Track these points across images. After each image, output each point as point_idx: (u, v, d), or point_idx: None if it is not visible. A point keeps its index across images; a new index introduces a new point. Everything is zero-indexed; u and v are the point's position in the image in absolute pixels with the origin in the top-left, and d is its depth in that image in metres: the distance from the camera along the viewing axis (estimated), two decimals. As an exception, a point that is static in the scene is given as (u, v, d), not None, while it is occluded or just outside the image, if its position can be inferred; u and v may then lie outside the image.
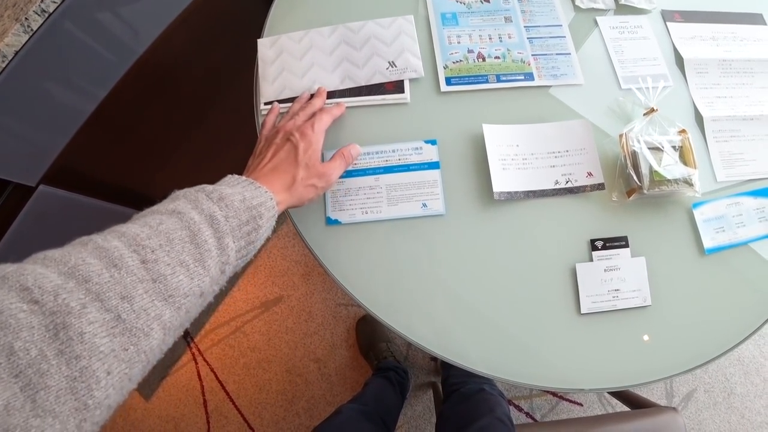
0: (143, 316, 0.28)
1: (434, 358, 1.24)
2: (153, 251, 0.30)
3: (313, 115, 0.52)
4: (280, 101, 0.58)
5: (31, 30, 0.54)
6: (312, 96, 0.57)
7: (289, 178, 0.45)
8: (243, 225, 0.37)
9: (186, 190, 0.37)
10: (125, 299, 0.27)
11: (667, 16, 0.66)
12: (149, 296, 0.29)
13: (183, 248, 0.32)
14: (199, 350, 1.27)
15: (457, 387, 0.88)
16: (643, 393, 1.16)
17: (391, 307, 0.53)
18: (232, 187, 0.39)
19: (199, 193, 0.36)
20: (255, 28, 0.65)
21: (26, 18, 0.53)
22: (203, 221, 0.34)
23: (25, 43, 0.55)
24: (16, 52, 0.54)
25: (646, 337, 0.53)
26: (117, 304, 0.27)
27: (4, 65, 0.54)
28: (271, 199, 0.41)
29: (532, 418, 1.20)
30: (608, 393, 1.16)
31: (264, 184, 0.42)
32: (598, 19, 0.66)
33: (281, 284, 1.32)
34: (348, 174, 0.56)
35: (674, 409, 0.77)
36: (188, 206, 0.35)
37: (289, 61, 0.59)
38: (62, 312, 0.25)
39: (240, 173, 0.44)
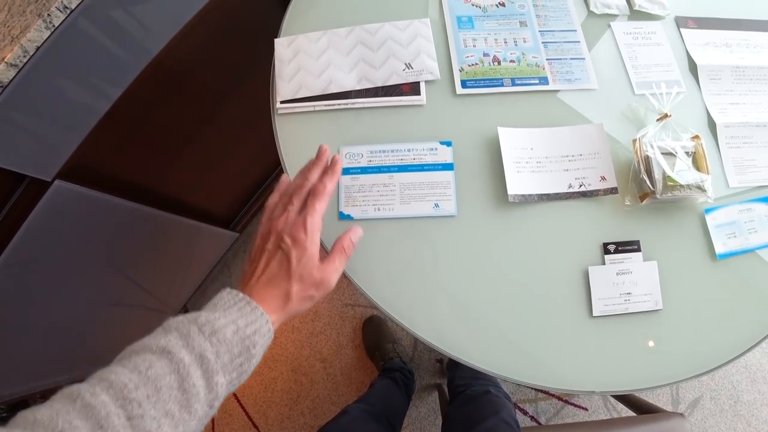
0: None
1: (440, 360, 1.25)
2: (140, 405, 0.31)
3: (305, 203, 0.47)
4: (296, 100, 0.59)
5: (53, 26, 0.55)
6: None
7: (282, 294, 0.43)
8: (235, 358, 0.37)
9: (180, 320, 0.37)
10: None
11: (681, 22, 0.67)
12: None
13: (170, 396, 0.32)
14: (204, 348, 1.27)
15: (463, 389, 0.88)
16: (649, 399, 1.15)
17: (399, 304, 0.53)
18: (226, 312, 0.39)
19: (192, 326, 0.36)
20: (271, 28, 0.65)
21: (48, 14, 0.54)
22: (193, 362, 0.34)
23: (46, 39, 0.55)
24: (38, 48, 0.55)
25: (651, 343, 0.53)
26: None
27: (25, 60, 0.54)
28: (267, 322, 0.40)
29: (537, 422, 1.20)
30: (614, 398, 1.16)
31: (259, 302, 0.41)
32: (612, 24, 0.66)
33: (287, 283, 1.32)
34: (363, 170, 0.56)
35: (681, 414, 0.77)
36: (179, 344, 0.35)
37: (306, 61, 0.60)
38: None
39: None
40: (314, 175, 0.48)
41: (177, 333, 0.36)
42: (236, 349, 0.37)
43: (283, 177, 0.51)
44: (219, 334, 0.36)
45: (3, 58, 0.51)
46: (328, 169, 0.49)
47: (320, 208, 0.46)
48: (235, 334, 0.37)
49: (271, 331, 0.41)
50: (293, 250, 0.44)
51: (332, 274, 0.46)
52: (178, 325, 0.36)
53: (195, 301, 1.34)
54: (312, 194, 0.46)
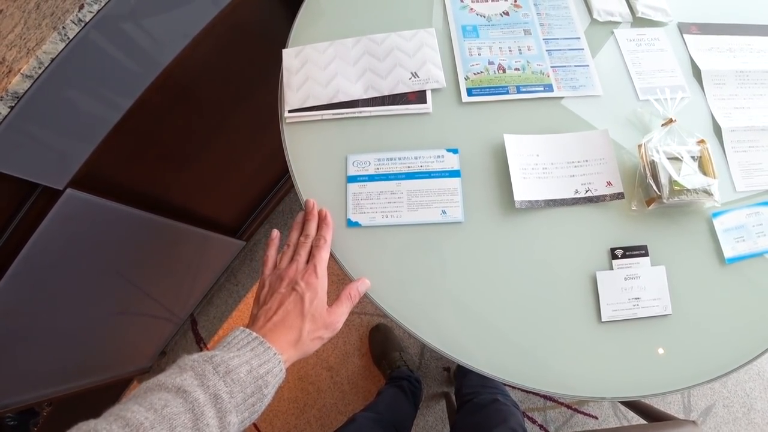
0: None
1: (447, 368, 1.24)
2: None
3: (311, 253, 0.52)
4: (304, 109, 0.60)
5: (68, 38, 0.56)
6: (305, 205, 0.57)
7: (295, 333, 0.45)
8: (248, 397, 0.38)
9: (195, 359, 0.38)
10: None
11: (684, 28, 0.67)
12: None
13: None
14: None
15: (470, 397, 0.87)
16: (661, 406, 1.14)
17: (406, 310, 0.53)
18: (239, 351, 0.40)
19: (207, 365, 0.37)
20: (279, 39, 0.67)
21: (63, 27, 0.55)
22: (207, 401, 0.35)
23: (61, 51, 0.57)
24: (52, 60, 0.56)
25: (660, 351, 0.53)
26: None
27: (40, 72, 0.56)
28: (279, 362, 0.41)
29: (546, 431, 1.19)
30: (624, 406, 1.14)
31: (272, 342, 0.42)
32: (616, 31, 0.67)
33: (293, 292, 1.32)
34: (370, 178, 0.57)
35: (693, 422, 0.76)
36: (194, 383, 0.36)
37: (314, 71, 0.61)
38: None
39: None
40: (312, 229, 0.54)
41: (192, 372, 0.37)
42: (249, 389, 0.38)
43: (274, 232, 0.56)
44: (233, 374, 0.37)
45: (19, 70, 0.52)
46: (321, 222, 0.54)
47: (325, 257, 0.52)
48: (248, 374, 0.38)
49: (283, 371, 0.42)
50: (307, 292, 0.47)
51: (339, 316, 0.49)
52: (193, 364, 0.37)
53: (201, 309, 1.34)
54: (315, 246, 0.52)
